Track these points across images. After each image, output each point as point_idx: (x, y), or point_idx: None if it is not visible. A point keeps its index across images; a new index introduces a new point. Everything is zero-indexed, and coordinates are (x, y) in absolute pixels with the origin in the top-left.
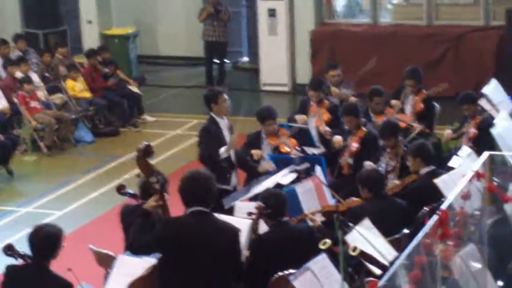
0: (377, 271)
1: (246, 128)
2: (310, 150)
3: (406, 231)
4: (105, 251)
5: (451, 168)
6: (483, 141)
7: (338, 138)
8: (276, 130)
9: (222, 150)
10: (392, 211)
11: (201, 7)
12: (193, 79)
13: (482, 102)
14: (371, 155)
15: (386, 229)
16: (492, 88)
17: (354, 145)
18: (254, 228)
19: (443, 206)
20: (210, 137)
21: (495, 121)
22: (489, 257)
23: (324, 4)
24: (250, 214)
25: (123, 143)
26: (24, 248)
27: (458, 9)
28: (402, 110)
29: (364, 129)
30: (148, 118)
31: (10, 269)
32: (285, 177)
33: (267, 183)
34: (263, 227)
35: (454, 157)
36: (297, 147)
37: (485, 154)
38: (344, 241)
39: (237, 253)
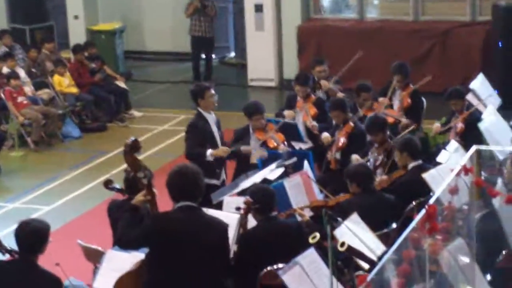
0: (366, 266)
1: (233, 123)
2: (298, 145)
3: (394, 225)
4: (93, 246)
5: (439, 163)
6: (471, 135)
7: (326, 135)
8: (264, 125)
9: (209, 152)
10: (380, 206)
11: (188, 2)
12: (180, 75)
13: (470, 97)
14: (359, 150)
15: (375, 223)
16: (479, 83)
17: (342, 140)
18: (242, 223)
19: (431, 201)
20: (197, 132)
21: (482, 116)
22: (477, 251)
23: (311, 0)
24: (238, 209)
25: (111, 138)
26: (12, 243)
27: (445, 5)
28: (390, 106)
29: (351, 124)
30: (135, 113)
31: None
32: (273, 172)
33: (255, 178)
34: (251, 222)
35: (442, 152)
36: (284, 142)
37: (473, 149)
38: (333, 236)
39: (225, 248)
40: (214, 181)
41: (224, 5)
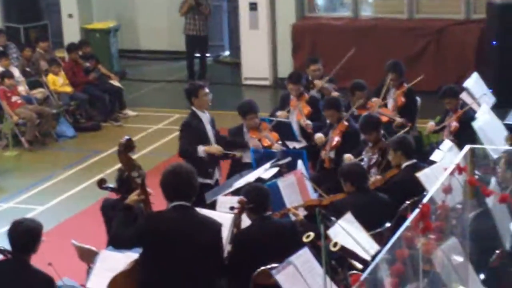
0: (360, 265)
1: (227, 122)
2: (292, 144)
3: (388, 225)
4: (87, 246)
5: (433, 162)
6: (465, 134)
7: (319, 135)
8: (258, 124)
9: (202, 148)
10: (374, 205)
11: (182, 0)
12: (175, 73)
13: (464, 96)
14: (353, 149)
15: (369, 223)
16: (474, 82)
17: (336, 139)
18: (236, 222)
19: (425, 200)
20: (191, 131)
21: (476, 115)
22: (471, 250)
23: None
24: (232, 208)
25: (105, 137)
26: (6, 243)
27: (439, 3)
28: (384, 105)
29: (345, 123)
30: (129, 112)
31: None
32: (267, 171)
33: (249, 178)
34: (246, 222)
35: (436, 151)
36: (279, 141)
37: (466, 148)
38: (326, 235)
39: (219, 248)
40: (208, 181)
41: (218, 3)
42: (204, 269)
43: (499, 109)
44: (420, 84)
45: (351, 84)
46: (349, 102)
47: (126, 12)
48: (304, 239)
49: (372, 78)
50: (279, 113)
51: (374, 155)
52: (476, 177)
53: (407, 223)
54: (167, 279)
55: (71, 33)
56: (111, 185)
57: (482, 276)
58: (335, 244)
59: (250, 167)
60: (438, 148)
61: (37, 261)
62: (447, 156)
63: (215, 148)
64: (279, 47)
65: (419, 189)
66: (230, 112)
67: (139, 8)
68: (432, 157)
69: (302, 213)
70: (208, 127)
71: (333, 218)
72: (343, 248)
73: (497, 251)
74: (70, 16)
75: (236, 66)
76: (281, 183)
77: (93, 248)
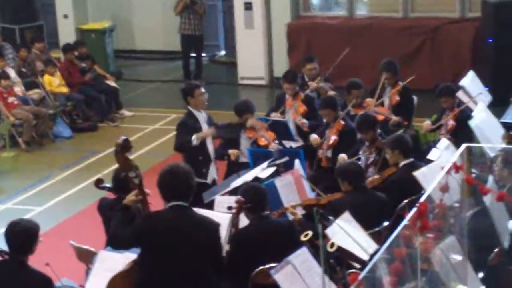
0: (357, 265)
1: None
2: (288, 144)
3: (386, 223)
4: (85, 246)
5: (430, 161)
6: (462, 133)
7: (314, 137)
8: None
9: (194, 136)
10: (372, 204)
11: (177, 0)
12: (171, 73)
13: (460, 94)
14: (350, 148)
15: (367, 222)
16: (470, 80)
17: (333, 138)
18: (234, 222)
19: (422, 199)
20: (187, 129)
21: (473, 113)
22: (469, 249)
23: None
24: (230, 208)
25: (102, 138)
26: (4, 245)
27: (434, 1)
28: (381, 104)
29: (342, 122)
30: (126, 113)
31: None
32: (264, 171)
33: (246, 177)
34: (243, 221)
35: (433, 150)
36: (275, 141)
37: (463, 146)
38: (324, 235)
39: (217, 248)
40: (202, 180)
41: (213, 3)
42: (202, 269)
43: (496, 107)
44: (416, 83)
45: (347, 83)
46: (345, 101)
47: (121, 12)
48: (302, 238)
49: (367, 77)
50: (272, 114)
51: (371, 154)
52: (473, 175)
53: (404, 222)
54: (165, 279)
55: (66, 34)
56: (108, 185)
57: (480, 275)
58: (332, 245)
59: (248, 166)
60: (435, 147)
61: (36, 262)
62: (444, 155)
63: (206, 132)
64: (275, 46)
65: (417, 188)
66: (226, 111)
67: (134, 8)
68: (429, 156)
69: (300, 212)
70: (205, 126)
71: (330, 218)
72: (340, 249)
73: (496, 250)
74: (66, 16)
75: (232, 66)
76: (279, 182)
77: (92, 249)
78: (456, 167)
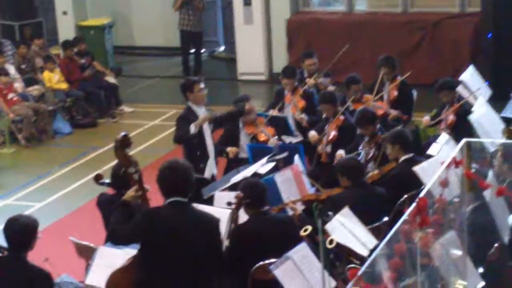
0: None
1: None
2: (288, 139)
3: (386, 218)
4: (85, 242)
5: (430, 156)
6: (462, 127)
7: (313, 133)
8: (254, 119)
9: (192, 125)
10: (371, 199)
11: None
12: (170, 69)
13: (460, 89)
14: (349, 143)
15: (366, 217)
16: (469, 75)
17: (332, 133)
18: (233, 217)
19: (422, 194)
20: (186, 123)
21: (473, 108)
22: (469, 244)
23: None
24: (229, 204)
25: (101, 134)
26: (2, 241)
27: None
28: (381, 98)
29: (341, 117)
30: (125, 109)
31: None
32: (263, 166)
33: (246, 173)
34: (243, 217)
35: (433, 144)
36: (275, 136)
37: (463, 141)
38: (324, 230)
39: (217, 243)
40: (199, 175)
41: None
42: (202, 264)
43: (496, 102)
44: (416, 78)
45: (346, 78)
46: (344, 96)
47: (120, 8)
48: (302, 233)
49: (367, 72)
50: (270, 111)
51: (371, 149)
52: (473, 170)
53: (404, 217)
54: (165, 275)
55: (66, 30)
56: (107, 181)
57: (480, 270)
58: (331, 241)
59: (247, 162)
60: (435, 142)
61: (36, 258)
62: (444, 150)
63: (202, 117)
64: (274, 42)
65: (417, 183)
66: (225, 107)
67: (133, 4)
68: (428, 151)
69: (300, 207)
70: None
71: (330, 213)
72: (338, 245)
73: (496, 245)
74: (65, 13)
75: (231, 62)
76: (278, 178)
77: (91, 245)
78: (456, 162)
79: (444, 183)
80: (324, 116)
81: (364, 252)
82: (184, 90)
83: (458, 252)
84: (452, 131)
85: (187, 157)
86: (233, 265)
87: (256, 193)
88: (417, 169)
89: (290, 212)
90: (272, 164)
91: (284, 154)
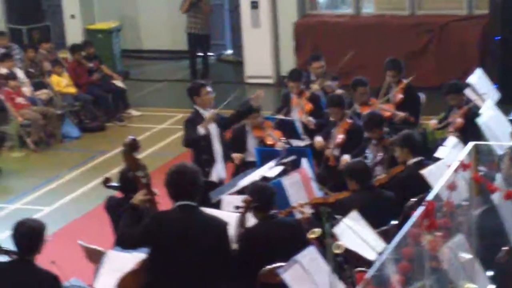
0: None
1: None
2: (295, 143)
3: (394, 222)
4: (94, 246)
5: (438, 159)
6: (470, 131)
7: (318, 139)
8: (261, 122)
9: (200, 128)
10: (380, 202)
11: None
12: (178, 73)
13: (468, 92)
14: (357, 146)
15: (375, 220)
16: (477, 78)
17: (340, 137)
18: (242, 221)
19: (429, 197)
20: (193, 126)
21: (481, 111)
22: (478, 247)
23: None
24: (237, 207)
25: (110, 138)
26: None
27: None
28: (387, 100)
29: (349, 120)
30: (133, 112)
31: None
32: (271, 169)
33: (254, 176)
34: (251, 221)
35: (440, 148)
36: (282, 139)
37: (470, 144)
38: (332, 234)
39: (225, 247)
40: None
41: (219, 2)
42: (210, 268)
43: (504, 105)
44: (423, 81)
45: (352, 81)
46: (351, 99)
47: (128, 12)
48: (310, 236)
49: (374, 75)
50: (276, 116)
51: (380, 153)
52: (481, 173)
53: (412, 220)
54: (173, 278)
55: (73, 34)
56: (115, 184)
57: (489, 273)
58: (339, 247)
59: (255, 165)
60: (443, 145)
61: (45, 261)
62: (452, 153)
63: (208, 116)
64: (281, 45)
65: (425, 186)
66: (233, 110)
67: (141, 8)
68: (436, 154)
69: (308, 211)
70: (212, 125)
71: (338, 217)
72: (346, 250)
73: (504, 248)
74: (73, 17)
75: (238, 65)
76: (286, 181)
77: (100, 248)
78: (463, 165)
79: (452, 187)
80: (330, 119)
81: (372, 256)
82: (191, 94)
83: (467, 256)
84: (460, 134)
85: (195, 161)
86: (241, 269)
87: (264, 197)
88: (425, 172)
89: (299, 216)
90: (280, 168)
91: (292, 158)
